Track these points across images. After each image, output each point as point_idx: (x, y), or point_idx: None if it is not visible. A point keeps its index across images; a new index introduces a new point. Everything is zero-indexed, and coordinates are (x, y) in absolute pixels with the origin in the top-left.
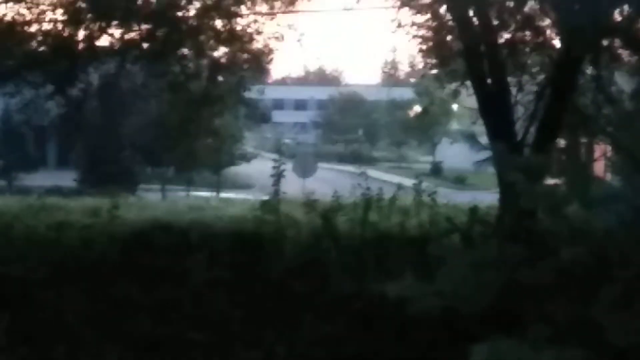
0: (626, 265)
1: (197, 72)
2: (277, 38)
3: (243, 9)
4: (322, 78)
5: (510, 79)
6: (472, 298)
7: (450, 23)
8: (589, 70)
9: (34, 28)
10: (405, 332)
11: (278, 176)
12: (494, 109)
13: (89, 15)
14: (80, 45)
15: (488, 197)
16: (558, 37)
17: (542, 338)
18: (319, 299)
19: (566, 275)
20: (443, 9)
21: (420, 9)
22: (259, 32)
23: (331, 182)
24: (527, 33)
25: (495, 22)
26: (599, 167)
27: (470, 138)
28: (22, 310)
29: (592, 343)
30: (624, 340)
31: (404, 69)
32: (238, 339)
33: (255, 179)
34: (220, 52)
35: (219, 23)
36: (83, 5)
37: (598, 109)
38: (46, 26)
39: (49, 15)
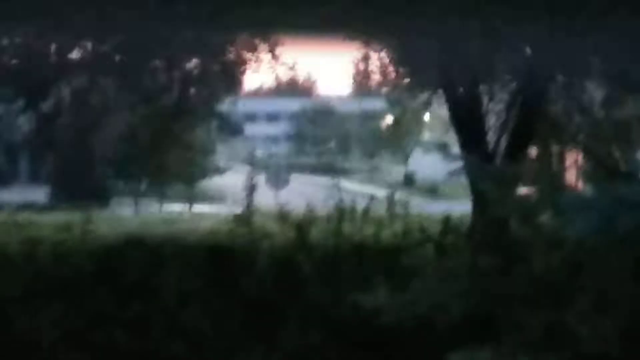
0: (599, 273)
1: (168, 85)
2: (249, 50)
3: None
4: (294, 89)
5: (481, 88)
6: (446, 307)
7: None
8: (560, 79)
9: (5, 42)
10: (380, 343)
11: (251, 188)
12: (466, 118)
13: (60, 29)
14: (52, 59)
15: (461, 207)
16: (528, 47)
17: (516, 346)
18: (294, 311)
19: (539, 284)
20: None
21: None
22: (231, 44)
23: (304, 193)
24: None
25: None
26: (570, 176)
27: (443, 148)
28: None
29: (566, 351)
30: (597, 347)
31: (375, 79)
32: (213, 352)
33: (228, 192)
34: (192, 64)
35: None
36: (54, 18)
37: (569, 117)
38: (17, 40)
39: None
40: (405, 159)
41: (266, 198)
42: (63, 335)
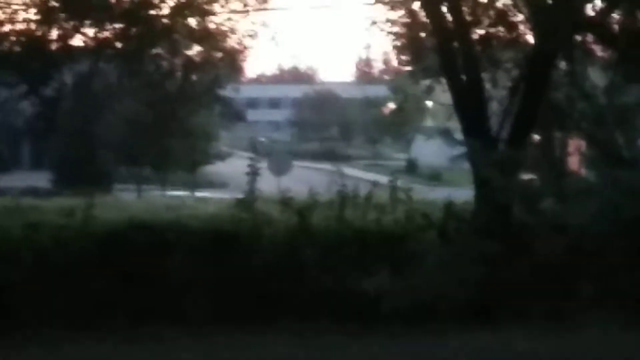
0: (602, 259)
1: (171, 71)
2: (251, 36)
3: (216, 7)
4: (296, 76)
5: (484, 75)
6: (449, 293)
7: (424, 19)
8: (563, 66)
9: (6, 28)
10: (382, 327)
11: (253, 174)
12: (468, 104)
13: (62, 15)
14: (54, 45)
15: (463, 194)
16: (531, 33)
17: (518, 332)
18: (296, 295)
19: (542, 270)
20: (417, 6)
21: (394, 6)
22: (232, 30)
23: (307, 180)
24: (501, 29)
25: (469, 18)
26: (573, 162)
27: (445, 134)
28: None
29: (568, 337)
30: (600, 334)
31: (378, 66)
32: (216, 336)
33: (230, 178)
34: (195, 50)
35: (192, 21)
36: (56, 4)
37: (572, 104)
38: (19, 26)
39: (22, 15)
40: (408, 145)
41: (269, 184)
42: (66, 319)
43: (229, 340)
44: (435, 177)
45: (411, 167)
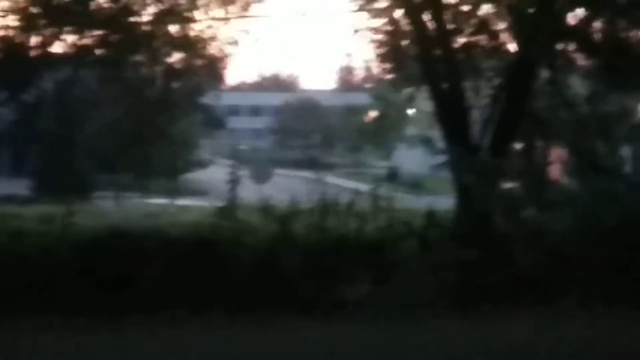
0: (582, 266)
1: (151, 78)
2: (232, 43)
3: (197, 14)
4: (277, 84)
5: (466, 83)
6: (430, 301)
7: (406, 27)
8: (544, 74)
9: None
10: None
11: (234, 182)
12: (450, 113)
13: (42, 22)
14: (34, 52)
15: (445, 202)
16: (513, 41)
17: (498, 330)
18: (278, 303)
19: (523, 277)
20: (399, 14)
21: (376, 14)
22: (214, 38)
23: (288, 188)
24: (483, 37)
25: (451, 27)
26: (554, 171)
27: (427, 142)
28: None
29: (548, 336)
30: (581, 341)
31: (360, 74)
32: (196, 343)
33: (211, 186)
34: (175, 57)
35: (173, 28)
36: (36, 11)
37: (553, 112)
38: None
39: (1, 21)
40: (389, 153)
41: (249, 192)
42: (46, 327)
43: (209, 346)
44: (416, 185)
45: (393, 175)
